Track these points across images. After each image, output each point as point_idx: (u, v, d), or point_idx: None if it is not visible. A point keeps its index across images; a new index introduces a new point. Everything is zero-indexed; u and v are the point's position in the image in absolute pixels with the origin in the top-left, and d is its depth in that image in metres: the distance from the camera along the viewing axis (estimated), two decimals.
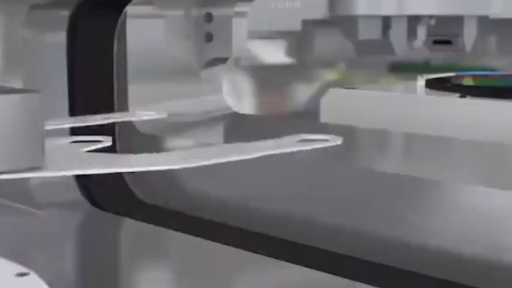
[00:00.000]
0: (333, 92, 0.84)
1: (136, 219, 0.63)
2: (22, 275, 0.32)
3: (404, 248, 0.53)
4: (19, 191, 0.64)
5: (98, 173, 0.39)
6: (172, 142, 0.72)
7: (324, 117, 0.80)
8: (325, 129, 0.54)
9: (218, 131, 0.77)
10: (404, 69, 1.18)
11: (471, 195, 0.52)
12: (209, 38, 0.72)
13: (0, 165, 0.35)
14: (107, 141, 0.44)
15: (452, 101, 0.78)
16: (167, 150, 0.71)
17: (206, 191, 0.67)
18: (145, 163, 0.44)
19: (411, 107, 0.79)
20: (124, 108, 0.69)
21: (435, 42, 1.14)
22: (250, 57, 0.92)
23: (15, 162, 0.36)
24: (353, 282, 0.48)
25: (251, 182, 0.64)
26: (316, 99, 0.90)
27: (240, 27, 0.72)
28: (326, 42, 1.11)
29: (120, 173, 0.69)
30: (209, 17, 0.72)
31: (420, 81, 0.86)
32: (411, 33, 1.10)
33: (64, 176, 0.67)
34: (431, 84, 0.85)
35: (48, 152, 0.37)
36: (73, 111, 0.66)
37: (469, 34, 1.13)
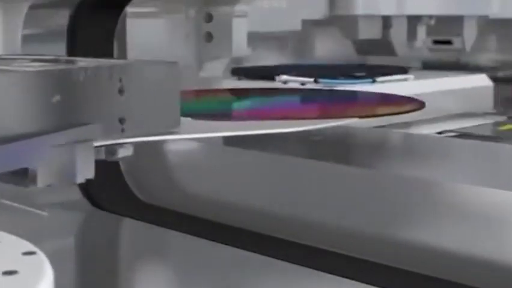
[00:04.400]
0: None
1: (136, 219, 0.63)
2: (29, 253, 0.32)
3: (403, 247, 0.53)
4: (20, 191, 0.64)
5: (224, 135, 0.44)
6: None
7: None
8: None
9: None
10: None
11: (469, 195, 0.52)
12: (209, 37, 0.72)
13: (145, 128, 0.39)
14: None
15: None
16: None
17: (206, 191, 0.67)
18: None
19: None
20: None
21: (435, 42, 1.14)
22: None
23: (158, 125, 0.39)
24: (353, 282, 0.48)
25: (251, 183, 0.64)
26: None
27: (240, 27, 0.72)
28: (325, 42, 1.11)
29: (120, 173, 0.69)
30: (209, 17, 0.72)
31: None
32: (411, 33, 1.10)
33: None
34: None
35: None
36: None
37: (469, 34, 1.13)
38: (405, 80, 0.93)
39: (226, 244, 0.55)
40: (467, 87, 0.98)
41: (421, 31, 1.11)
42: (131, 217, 0.64)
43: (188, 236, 0.57)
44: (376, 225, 0.55)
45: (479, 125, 0.84)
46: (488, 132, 0.81)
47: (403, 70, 0.96)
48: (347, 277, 0.49)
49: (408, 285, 0.49)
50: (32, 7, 0.66)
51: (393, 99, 0.66)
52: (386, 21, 1.07)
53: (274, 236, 0.57)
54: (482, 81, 1.02)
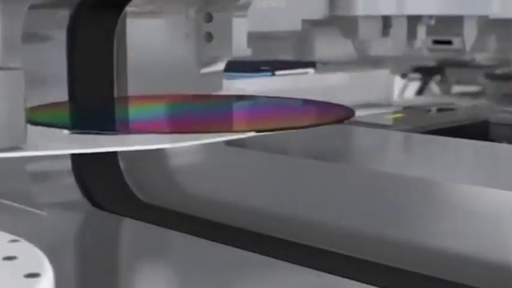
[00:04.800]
0: None
1: (136, 219, 0.63)
2: (14, 241, 0.33)
3: (403, 247, 0.53)
4: (20, 191, 0.64)
5: (76, 153, 0.38)
6: None
7: None
8: None
9: None
10: None
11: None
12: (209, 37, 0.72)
13: None
14: None
15: None
16: None
17: (206, 191, 0.67)
18: (131, 142, 0.44)
19: None
20: None
21: (435, 42, 1.14)
22: None
23: None
24: (353, 282, 0.48)
25: (251, 183, 0.64)
26: None
27: (240, 27, 0.72)
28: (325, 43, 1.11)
29: (120, 173, 0.69)
30: (209, 17, 0.72)
31: None
32: (411, 33, 1.10)
33: (65, 176, 0.67)
34: None
35: (30, 133, 0.36)
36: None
37: (469, 34, 1.13)
38: (305, 73, 0.97)
39: (226, 244, 0.55)
40: (368, 81, 1.05)
41: (421, 31, 1.11)
42: (131, 217, 0.64)
43: (188, 236, 0.57)
44: (376, 225, 0.55)
45: (373, 114, 0.90)
46: (377, 120, 0.86)
47: (311, 65, 0.99)
48: (347, 277, 0.49)
49: (408, 285, 0.49)
50: (32, 7, 0.66)
51: (320, 108, 0.63)
52: (386, 21, 1.07)
53: (274, 236, 0.57)
54: (383, 75, 1.10)
